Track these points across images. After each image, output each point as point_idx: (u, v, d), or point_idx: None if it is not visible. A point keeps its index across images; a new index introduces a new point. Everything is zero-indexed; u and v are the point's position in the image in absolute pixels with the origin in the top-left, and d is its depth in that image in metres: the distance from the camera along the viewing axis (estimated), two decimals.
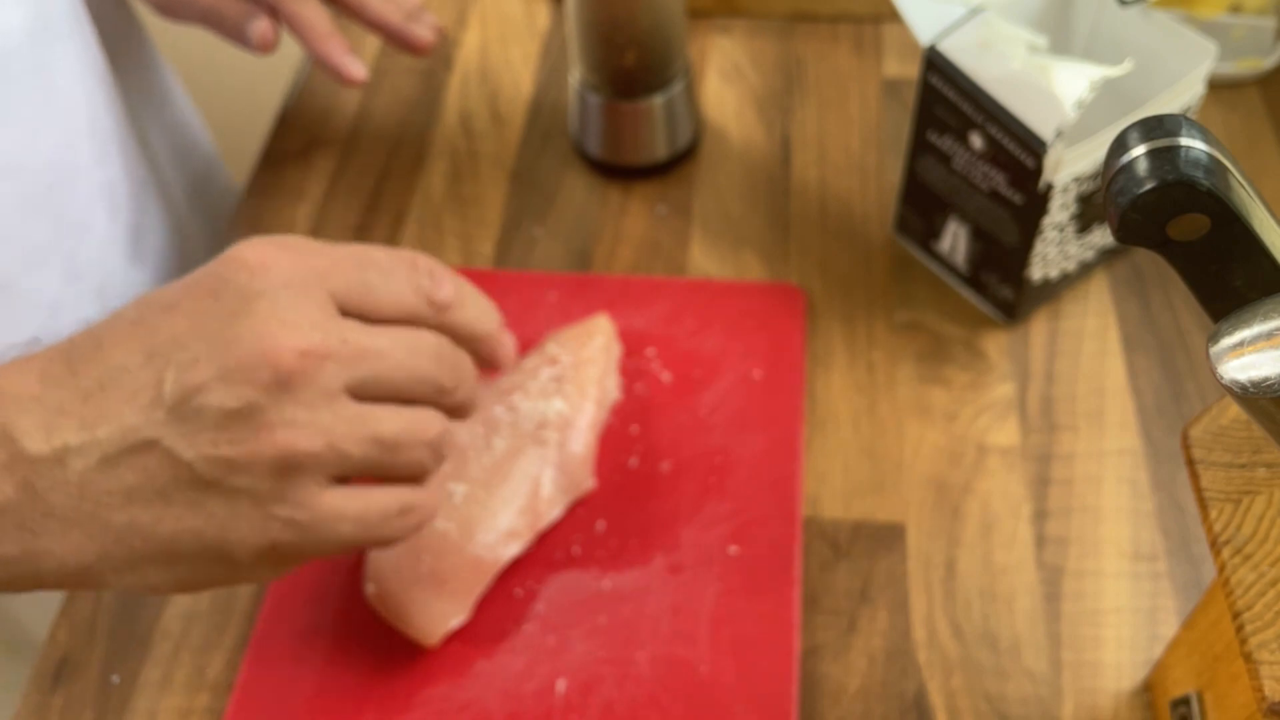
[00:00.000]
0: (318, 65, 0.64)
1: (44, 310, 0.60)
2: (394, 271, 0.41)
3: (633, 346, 0.62)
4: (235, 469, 0.35)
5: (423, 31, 0.66)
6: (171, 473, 0.34)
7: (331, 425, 0.37)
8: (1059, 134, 0.54)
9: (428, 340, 0.41)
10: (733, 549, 0.55)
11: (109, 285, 0.64)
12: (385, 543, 0.41)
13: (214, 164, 0.79)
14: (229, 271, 0.36)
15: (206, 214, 0.76)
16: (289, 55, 0.82)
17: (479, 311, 0.45)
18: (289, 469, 0.36)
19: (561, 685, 0.51)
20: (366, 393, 0.38)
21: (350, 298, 0.39)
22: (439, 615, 0.51)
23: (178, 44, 0.83)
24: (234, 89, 1.05)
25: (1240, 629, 0.35)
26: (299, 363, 0.35)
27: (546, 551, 0.55)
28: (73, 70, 0.60)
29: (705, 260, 0.67)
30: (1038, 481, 0.57)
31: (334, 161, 0.73)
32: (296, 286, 0.37)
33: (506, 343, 0.47)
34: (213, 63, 0.92)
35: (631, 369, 0.61)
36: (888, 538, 0.56)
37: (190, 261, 0.71)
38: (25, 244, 0.58)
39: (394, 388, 0.39)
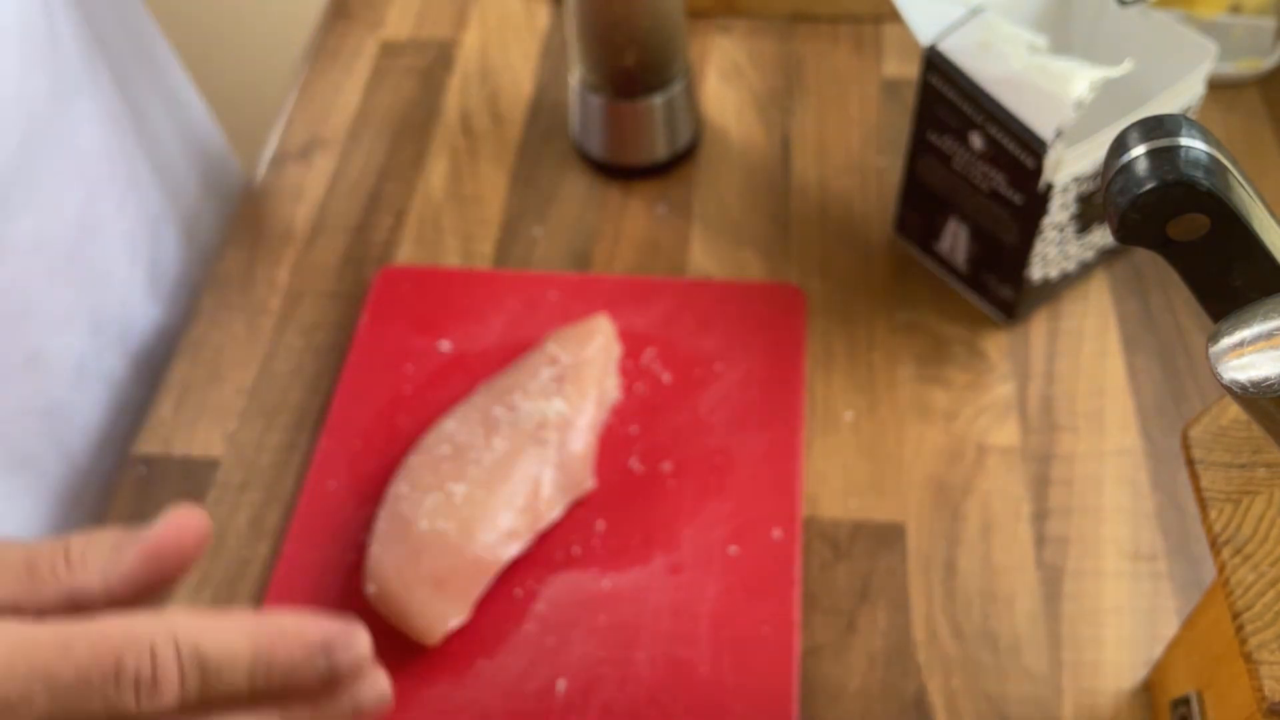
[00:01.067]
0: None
1: (71, 371, 0.60)
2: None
3: (633, 346, 0.62)
4: None
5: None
6: None
7: None
8: (1059, 134, 0.54)
9: None
10: (733, 549, 0.55)
11: (129, 330, 0.64)
12: None
13: (225, 157, 0.79)
14: None
15: (220, 209, 0.76)
16: (289, 56, 0.83)
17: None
18: None
19: (561, 685, 0.51)
20: None
21: None
22: (439, 615, 0.51)
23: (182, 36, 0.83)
24: (234, 89, 1.05)
25: (1240, 629, 0.35)
26: None
27: (546, 551, 0.55)
28: (92, 123, 0.59)
29: (705, 260, 0.67)
30: (1038, 481, 0.57)
31: (334, 161, 0.73)
32: None
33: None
34: (215, 60, 0.92)
35: (631, 369, 0.61)
36: (888, 538, 0.56)
37: (201, 264, 0.71)
38: (54, 311, 0.58)
39: None
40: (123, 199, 0.63)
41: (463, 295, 0.64)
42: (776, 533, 0.55)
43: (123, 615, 0.32)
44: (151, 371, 0.66)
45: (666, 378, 0.61)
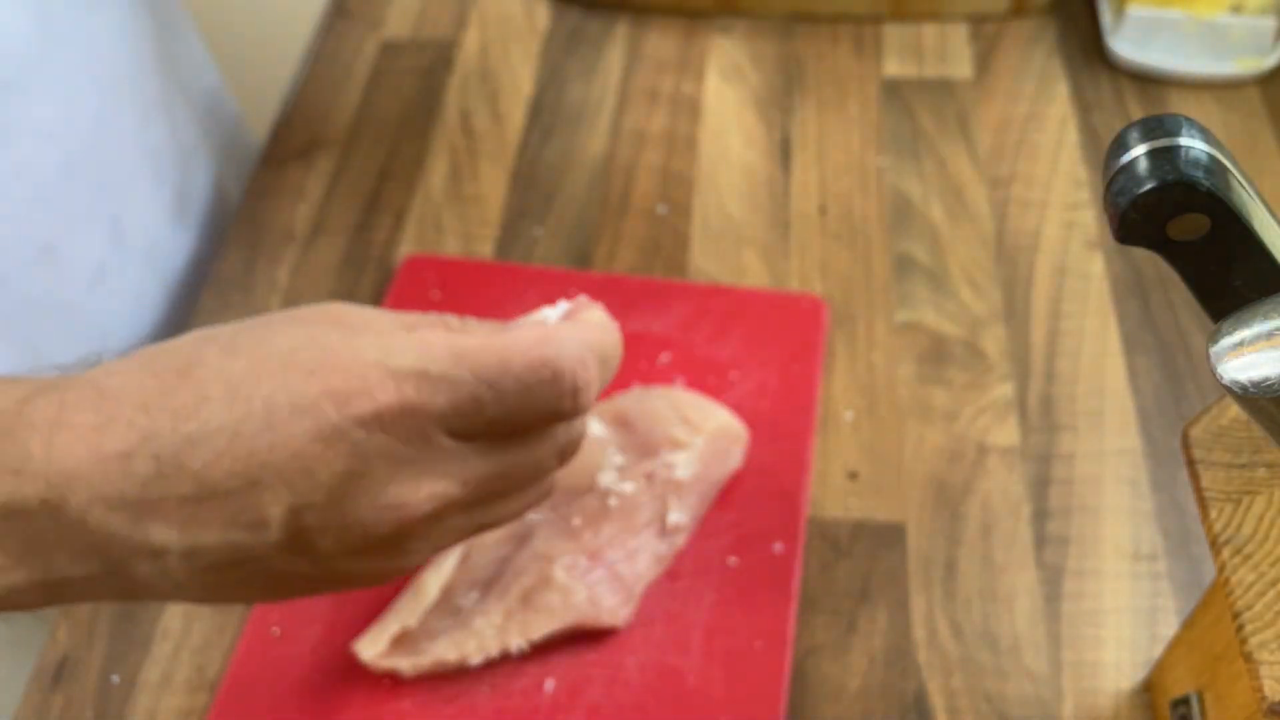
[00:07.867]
0: None
1: (89, 272, 0.62)
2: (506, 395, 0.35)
3: (649, 349, 0.61)
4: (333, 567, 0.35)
5: None
6: (273, 573, 0.34)
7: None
8: None
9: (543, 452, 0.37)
10: (732, 560, 0.54)
11: (156, 247, 0.67)
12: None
13: (242, 127, 0.81)
14: (338, 411, 0.32)
15: (240, 176, 0.77)
16: (289, 57, 0.82)
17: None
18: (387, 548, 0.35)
19: (550, 685, 0.51)
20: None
21: (461, 424, 0.35)
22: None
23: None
24: (233, 88, 1.05)
25: (1240, 629, 0.35)
26: (420, 521, 0.35)
27: None
28: (114, 36, 0.61)
29: (705, 260, 0.67)
30: (1038, 481, 0.57)
31: (334, 161, 0.73)
32: (410, 440, 0.34)
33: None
34: (215, 60, 0.92)
35: (646, 371, 0.60)
36: (888, 538, 0.56)
37: (229, 221, 0.72)
38: (69, 207, 0.60)
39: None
40: (146, 116, 0.65)
41: (485, 288, 0.64)
42: (778, 546, 0.55)
43: (533, 327, 0.36)
44: (183, 295, 0.69)
45: (680, 383, 0.60)
